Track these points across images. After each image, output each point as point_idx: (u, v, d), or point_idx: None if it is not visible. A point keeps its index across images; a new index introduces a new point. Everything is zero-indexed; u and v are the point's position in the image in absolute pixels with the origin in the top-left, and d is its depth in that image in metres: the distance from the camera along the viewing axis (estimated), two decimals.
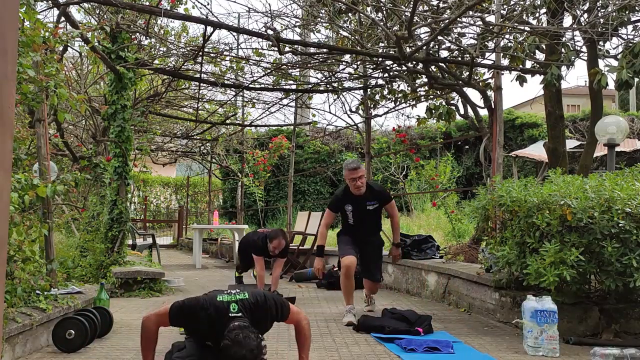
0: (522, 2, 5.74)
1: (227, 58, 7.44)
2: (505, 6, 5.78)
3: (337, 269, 7.24)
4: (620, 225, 3.57)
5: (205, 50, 6.76)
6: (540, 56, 5.66)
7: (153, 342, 3.09)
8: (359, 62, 7.22)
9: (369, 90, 7.93)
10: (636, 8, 5.15)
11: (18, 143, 4.16)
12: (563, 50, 5.21)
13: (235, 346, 2.70)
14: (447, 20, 5.22)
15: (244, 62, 7.37)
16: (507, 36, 5.68)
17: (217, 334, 2.85)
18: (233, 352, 2.70)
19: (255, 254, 6.27)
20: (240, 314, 2.91)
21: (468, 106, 6.32)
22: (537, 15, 5.76)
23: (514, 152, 13.35)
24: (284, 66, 7.32)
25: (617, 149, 5.80)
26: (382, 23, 5.76)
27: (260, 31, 5.56)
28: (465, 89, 6.10)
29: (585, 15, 5.38)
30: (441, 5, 5.86)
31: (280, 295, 5.85)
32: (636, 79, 4.66)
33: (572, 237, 3.71)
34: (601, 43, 5.49)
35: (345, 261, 4.86)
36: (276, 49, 5.66)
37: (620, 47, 5.38)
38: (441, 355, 3.72)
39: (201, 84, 8.27)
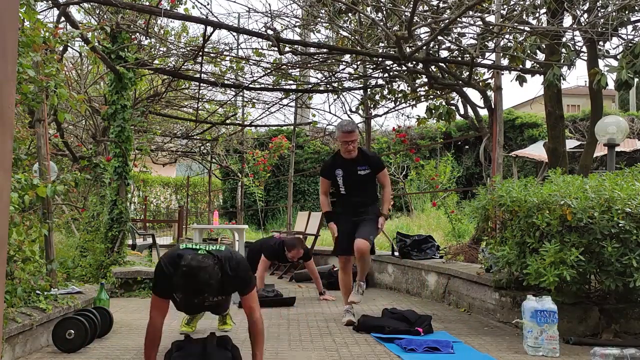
0: (522, 2, 5.74)
1: (227, 58, 7.44)
2: (505, 6, 5.78)
3: (337, 269, 7.24)
4: (620, 225, 3.57)
5: (205, 50, 6.76)
6: (541, 56, 5.66)
7: (158, 339, 3.10)
8: (359, 62, 7.22)
9: (369, 90, 7.93)
10: (636, 8, 5.14)
11: (18, 143, 4.16)
12: (563, 50, 5.21)
13: (187, 267, 2.75)
14: (447, 20, 5.22)
15: (244, 62, 7.36)
16: (507, 36, 5.67)
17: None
18: (185, 275, 2.75)
19: (267, 257, 6.28)
20: (211, 255, 2.96)
21: (468, 106, 6.32)
22: (537, 15, 5.76)
23: (514, 152, 13.36)
24: (284, 66, 7.32)
25: (617, 149, 5.80)
26: (382, 23, 5.76)
27: (260, 31, 5.56)
28: (465, 89, 6.10)
29: (585, 15, 5.38)
30: (441, 5, 5.86)
31: (280, 295, 5.89)
32: (636, 79, 4.66)
33: (572, 237, 3.70)
34: (601, 43, 5.49)
35: (341, 259, 4.95)
36: (276, 49, 5.66)
37: (620, 47, 5.38)
38: (441, 355, 3.72)
39: (201, 84, 8.27)
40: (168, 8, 6.29)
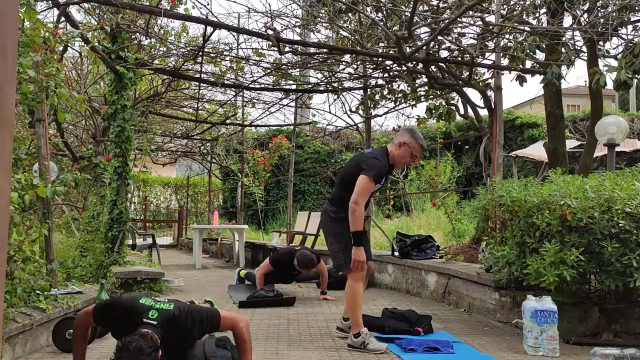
0: (522, 2, 5.74)
1: (227, 58, 7.43)
2: (505, 6, 5.78)
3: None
4: (620, 225, 3.57)
5: (205, 50, 6.76)
6: (540, 56, 5.66)
7: (84, 341, 3.08)
8: (359, 62, 7.22)
9: (369, 90, 7.93)
10: (636, 8, 5.15)
11: (18, 143, 4.16)
12: (563, 50, 5.21)
13: (123, 351, 2.60)
14: (447, 20, 5.22)
15: (244, 62, 7.36)
16: (507, 36, 5.67)
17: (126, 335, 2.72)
18: (119, 356, 2.61)
19: (271, 263, 6.27)
20: (154, 323, 2.76)
21: (468, 106, 6.32)
22: (537, 15, 5.76)
23: (514, 152, 13.35)
24: (284, 66, 7.32)
25: (617, 149, 5.80)
26: (382, 23, 5.76)
27: (260, 31, 5.55)
28: (465, 89, 6.10)
29: (585, 15, 5.38)
30: (441, 5, 5.86)
31: (280, 295, 5.89)
32: (635, 79, 4.66)
33: (572, 237, 3.70)
34: (601, 43, 5.49)
35: (362, 272, 4.00)
36: (276, 49, 5.66)
37: (620, 47, 5.38)
38: (441, 355, 3.72)
39: (201, 84, 8.27)
40: (168, 8, 6.29)
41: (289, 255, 6.22)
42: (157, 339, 2.70)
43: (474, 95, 9.23)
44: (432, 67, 6.06)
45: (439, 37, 5.56)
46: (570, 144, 11.12)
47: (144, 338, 2.64)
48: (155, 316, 2.80)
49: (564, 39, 5.40)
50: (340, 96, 8.09)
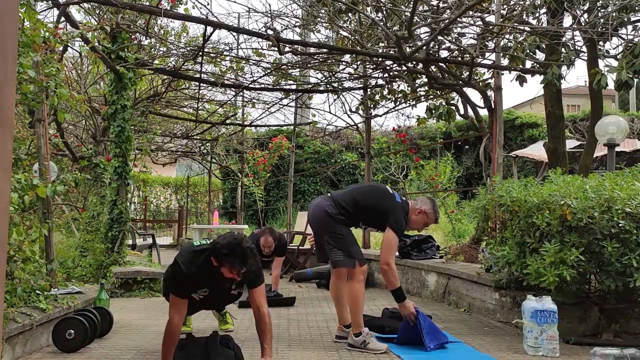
0: (522, 2, 5.74)
1: (227, 58, 7.44)
2: (505, 6, 5.78)
3: None
4: (620, 225, 3.57)
5: (205, 50, 6.76)
6: (540, 56, 5.66)
7: (177, 339, 3.15)
8: (359, 62, 7.23)
9: (369, 90, 7.93)
10: (636, 8, 5.15)
11: (18, 143, 4.16)
12: (563, 50, 5.21)
13: (235, 251, 2.86)
14: (447, 20, 5.22)
15: (244, 62, 7.36)
16: (507, 36, 5.67)
17: (207, 267, 2.99)
18: (231, 248, 2.88)
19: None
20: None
21: (468, 106, 6.32)
22: (537, 15, 5.76)
23: (514, 152, 13.35)
24: (284, 66, 7.32)
25: (617, 149, 5.80)
26: (382, 23, 5.76)
27: (260, 31, 5.55)
28: (465, 89, 6.09)
29: (585, 15, 5.38)
30: (441, 5, 5.86)
31: (280, 295, 5.89)
32: (636, 79, 4.66)
33: (572, 237, 3.70)
34: (601, 43, 5.49)
35: (364, 269, 4.02)
36: (276, 49, 5.66)
37: (620, 47, 5.38)
38: (441, 355, 3.72)
39: (201, 84, 8.27)
40: (168, 8, 6.29)
41: (255, 241, 5.77)
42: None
43: (474, 95, 9.24)
44: (432, 67, 6.06)
45: (439, 37, 5.56)
46: (570, 144, 11.12)
47: (242, 239, 2.99)
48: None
49: (564, 39, 5.40)
50: (340, 96, 8.09)
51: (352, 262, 3.89)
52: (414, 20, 5.04)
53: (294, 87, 8.57)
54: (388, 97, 7.64)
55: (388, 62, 6.78)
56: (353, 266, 3.89)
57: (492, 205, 4.49)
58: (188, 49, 7.28)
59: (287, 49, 6.01)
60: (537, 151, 11.96)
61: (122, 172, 6.99)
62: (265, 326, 3.17)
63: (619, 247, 3.60)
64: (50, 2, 6.07)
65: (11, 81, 1.20)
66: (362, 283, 3.91)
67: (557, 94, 5.94)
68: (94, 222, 7.43)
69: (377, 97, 7.94)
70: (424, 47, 5.44)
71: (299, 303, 5.85)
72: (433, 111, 6.94)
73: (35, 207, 4.76)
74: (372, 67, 7.29)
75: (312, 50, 6.55)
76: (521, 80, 5.55)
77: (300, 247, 8.46)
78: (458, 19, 5.14)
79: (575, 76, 53.10)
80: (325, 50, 6.49)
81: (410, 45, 5.64)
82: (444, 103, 6.88)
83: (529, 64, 5.63)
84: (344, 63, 7.32)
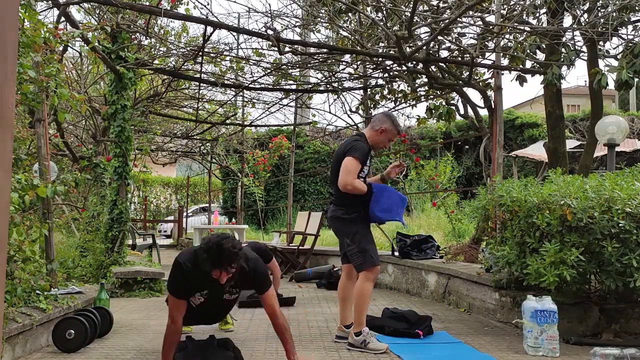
0: (522, 2, 5.74)
1: (227, 58, 7.44)
2: (505, 6, 5.78)
3: (337, 268, 7.24)
4: (620, 225, 3.57)
5: (205, 50, 6.76)
6: (541, 56, 5.66)
7: (178, 340, 3.15)
8: (359, 62, 7.22)
9: (369, 90, 7.93)
10: (636, 8, 5.15)
11: (18, 143, 4.16)
12: (563, 50, 5.21)
13: (208, 243, 2.84)
14: (447, 20, 5.22)
15: (244, 62, 7.37)
16: (507, 36, 5.68)
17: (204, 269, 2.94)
18: (210, 248, 2.84)
19: None
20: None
21: (468, 106, 6.32)
22: (537, 15, 5.76)
23: (514, 152, 13.35)
24: (284, 66, 7.32)
25: (617, 149, 5.80)
26: (382, 23, 5.77)
27: (260, 31, 5.56)
28: (465, 89, 6.10)
29: (585, 15, 5.38)
30: (441, 5, 5.86)
31: (280, 295, 5.88)
32: (636, 79, 4.66)
33: (572, 237, 3.70)
34: (601, 43, 5.49)
35: (376, 269, 3.98)
36: (276, 49, 5.66)
37: (620, 47, 5.38)
38: (441, 355, 3.72)
39: (201, 84, 8.27)
40: (168, 8, 6.29)
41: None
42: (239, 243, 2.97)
43: (474, 95, 9.25)
44: (432, 67, 6.06)
45: (439, 37, 5.56)
46: (570, 144, 11.13)
47: (229, 239, 2.92)
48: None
49: (564, 39, 5.40)
50: (340, 96, 8.09)
51: (372, 262, 3.87)
52: (414, 20, 5.04)
53: (294, 87, 8.57)
54: (388, 97, 7.64)
55: (388, 62, 6.78)
56: (373, 266, 3.88)
57: (492, 205, 4.49)
58: (188, 49, 7.28)
59: (287, 49, 6.01)
60: (537, 151, 11.96)
61: (122, 172, 6.99)
62: (283, 328, 3.16)
63: (619, 247, 3.60)
64: (50, 2, 6.07)
65: (11, 81, 1.20)
66: (371, 283, 3.91)
67: (557, 94, 5.94)
68: (94, 222, 7.44)
69: (377, 97, 7.94)
70: (424, 47, 5.44)
71: (299, 303, 5.85)
72: (433, 111, 6.94)
73: (35, 207, 4.77)
74: (372, 67, 7.29)
75: (312, 50, 6.55)
76: (521, 80, 5.55)
77: (301, 247, 8.46)
78: (458, 19, 5.14)
79: (575, 76, 53.15)
80: (325, 50, 6.49)
81: (410, 45, 5.64)
82: (444, 103, 6.88)
83: (529, 64, 5.63)
84: (344, 63, 7.32)
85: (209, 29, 5.88)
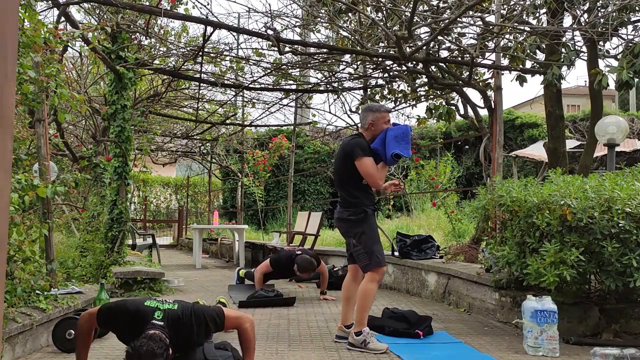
0: (522, 2, 5.74)
1: (227, 58, 7.44)
2: (505, 6, 5.78)
3: (337, 268, 7.24)
4: (620, 225, 3.57)
5: (205, 50, 6.76)
6: (541, 56, 5.66)
7: (87, 342, 3.06)
8: (359, 62, 7.22)
9: (369, 90, 7.92)
10: (636, 8, 5.15)
11: (18, 143, 4.16)
12: (563, 50, 5.21)
13: (134, 356, 2.60)
14: (447, 20, 5.22)
15: (244, 62, 7.37)
16: (507, 36, 5.67)
17: (134, 339, 2.71)
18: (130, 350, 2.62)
19: (271, 265, 6.25)
20: (162, 323, 2.79)
21: (468, 106, 6.32)
22: (537, 15, 5.76)
23: (514, 152, 13.35)
24: (284, 66, 7.32)
25: (617, 149, 5.80)
26: (382, 23, 5.77)
27: (260, 31, 5.56)
28: (465, 89, 6.10)
29: (585, 15, 5.38)
30: (441, 5, 5.86)
31: (280, 295, 5.89)
32: (636, 79, 4.66)
33: (572, 237, 3.70)
34: (601, 43, 5.49)
35: (382, 270, 3.99)
36: (276, 49, 5.66)
37: (620, 47, 5.38)
38: (441, 355, 3.72)
39: (201, 84, 8.27)
40: (168, 8, 6.29)
41: (290, 260, 6.18)
42: (165, 338, 2.70)
43: (474, 95, 9.25)
44: (432, 67, 6.06)
45: (439, 37, 5.56)
46: (570, 144, 11.13)
47: (153, 340, 2.65)
48: (161, 317, 2.81)
49: (564, 39, 5.40)
50: (340, 96, 8.09)
51: (378, 263, 3.88)
52: (414, 20, 5.04)
53: (294, 87, 8.57)
54: (388, 97, 7.64)
55: (388, 62, 6.78)
56: (379, 266, 3.88)
57: (492, 205, 4.49)
58: (188, 49, 7.28)
59: (287, 49, 6.01)
60: (537, 151, 11.96)
61: (122, 172, 6.99)
62: (246, 340, 3.02)
63: (619, 247, 3.60)
64: (50, 2, 6.07)
65: (11, 81, 1.20)
66: (376, 284, 3.92)
67: (557, 94, 5.94)
68: (94, 222, 7.43)
69: (377, 97, 7.93)
70: (424, 47, 5.44)
71: (299, 303, 5.85)
72: (433, 111, 6.94)
73: (35, 207, 4.77)
74: (372, 67, 7.29)
75: (312, 50, 6.55)
76: (521, 80, 5.55)
77: (301, 247, 8.46)
78: (458, 19, 5.14)
79: (575, 76, 53.16)
80: (325, 50, 6.49)
81: (410, 45, 5.64)
82: (444, 103, 6.88)
83: (529, 64, 5.63)
84: (344, 63, 7.32)
85: (209, 29, 5.89)
